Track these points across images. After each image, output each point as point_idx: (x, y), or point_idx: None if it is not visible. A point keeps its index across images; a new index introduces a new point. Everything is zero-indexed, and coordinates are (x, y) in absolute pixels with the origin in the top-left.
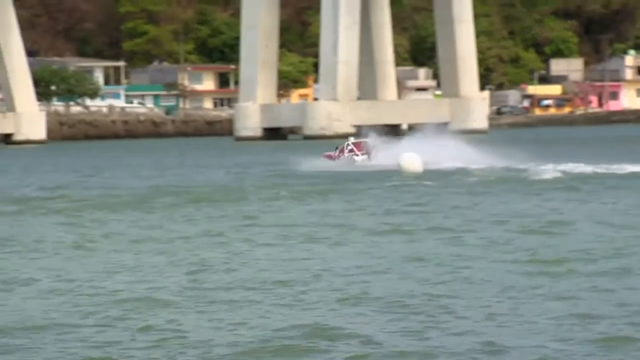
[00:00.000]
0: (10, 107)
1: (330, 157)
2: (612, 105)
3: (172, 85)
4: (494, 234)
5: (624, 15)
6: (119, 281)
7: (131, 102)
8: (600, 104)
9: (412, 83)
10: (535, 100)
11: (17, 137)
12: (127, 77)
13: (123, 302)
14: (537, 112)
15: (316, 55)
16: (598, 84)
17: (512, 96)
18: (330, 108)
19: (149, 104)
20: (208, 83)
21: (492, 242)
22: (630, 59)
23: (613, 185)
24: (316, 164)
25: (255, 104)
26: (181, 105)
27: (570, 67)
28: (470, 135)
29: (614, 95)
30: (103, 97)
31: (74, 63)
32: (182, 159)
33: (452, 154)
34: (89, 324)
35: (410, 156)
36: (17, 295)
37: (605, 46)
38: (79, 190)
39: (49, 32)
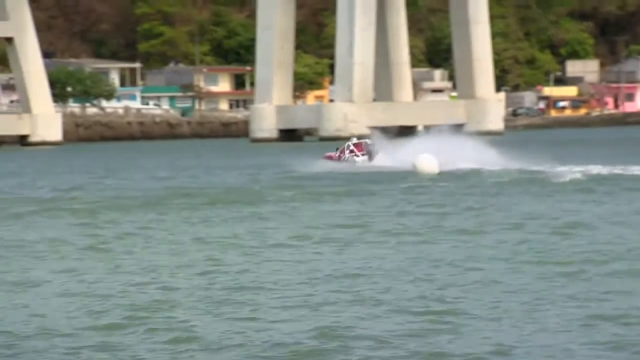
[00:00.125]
0: (26, 109)
1: (330, 157)
2: (628, 107)
3: (187, 87)
4: (508, 236)
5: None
6: (132, 283)
7: (147, 104)
8: (616, 106)
9: (427, 84)
10: (551, 102)
11: (33, 138)
12: (142, 78)
13: (136, 304)
14: (553, 113)
15: (332, 57)
16: (614, 85)
17: (528, 98)
18: (346, 109)
19: (165, 105)
20: (224, 84)
21: (506, 244)
22: None
23: (629, 187)
24: (329, 165)
25: (271, 106)
26: (197, 106)
27: (586, 69)
28: (485, 136)
29: (630, 97)
30: (119, 99)
31: (90, 64)
32: (198, 161)
33: (462, 155)
34: (102, 325)
35: (426, 157)
36: (30, 297)
37: (621, 47)
38: (93, 191)
39: (65, 34)
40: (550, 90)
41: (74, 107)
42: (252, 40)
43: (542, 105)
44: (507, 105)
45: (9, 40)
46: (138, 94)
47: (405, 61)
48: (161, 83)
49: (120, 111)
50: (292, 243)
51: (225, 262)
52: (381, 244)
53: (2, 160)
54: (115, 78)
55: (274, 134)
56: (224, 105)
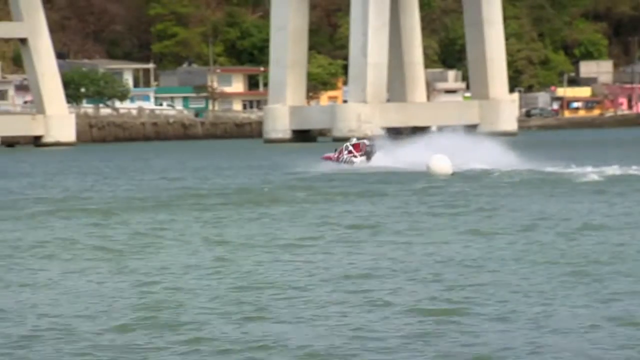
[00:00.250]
0: (40, 110)
1: (329, 158)
2: None
3: (201, 88)
4: (520, 236)
5: None
6: (143, 283)
7: (160, 104)
8: (630, 106)
9: (441, 85)
10: (565, 103)
11: (47, 139)
12: (156, 79)
13: (146, 304)
14: (567, 114)
15: (345, 58)
16: (628, 86)
17: (542, 98)
18: (360, 110)
19: (178, 106)
20: (237, 85)
21: (517, 245)
22: None
23: None
24: (340, 166)
25: (285, 106)
26: (210, 107)
27: (599, 69)
28: (498, 136)
29: None
30: (132, 99)
31: (104, 65)
32: (210, 161)
33: (465, 154)
34: (112, 326)
35: (439, 158)
36: (41, 297)
37: (635, 48)
38: (105, 192)
39: (79, 35)
40: (563, 91)
41: (87, 107)
42: (266, 40)
43: (555, 106)
44: (521, 106)
45: (23, 41)
46: (152, 95)
47: (418, 62)
48: (175, 84)
49: (134, 112)
50: (303, 244)
51: (235, 263)
52: (393, 245)
53: (15, 160)
54: (128, 79)
55: (287, 134)
56: (237, 106)
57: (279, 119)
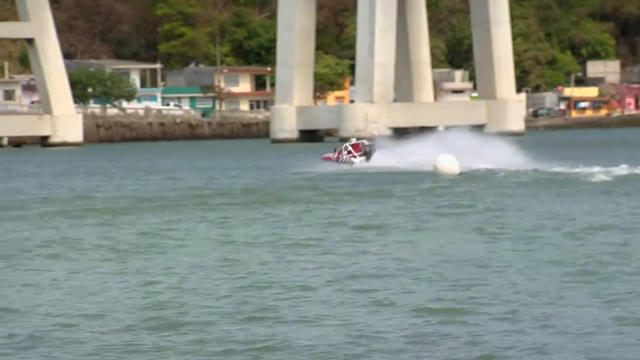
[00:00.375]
0: (47, 110)
1: (328, 159)
2: None
3: (208, 88)
4: (527, 237)
5: None
6: (149, 283)
7: (167, 104)
8: (637, 106)
9: (448, 85)
10: (572, 103)
11: (54, 139)
12: (163, 79)
13: (153, 305)
14: (574, 114)
15: (352, 58)
16: (635, 86)
17: (549, 98)
18: (367, 110)
19: (185, 106)
20: (244, 85)
21: (525, 245)
22: None
23: None
24: (342, 166)
25: (292, 106)
26: (217, 107)
27: (607, 69)
28: (506, 136)
29: None
30: (139, 100)
31: (111, 65)
32: (216, 161)
33: (466, 153)
34: (119, 326)
35: (447, 158)
36: (48, 297)
37: None
38: (112, 192)
39: (86, 35)
40: (571, 91)
41: (94, 108)
42: (273, 41)
43: (562, 106)
44: (528, 106)
45: (30, 41)
46: (159, 95)
47: (425, 62)
48: (182, 84)
49: (141, 112)
50: (309, 244)
51: (241, 263)
52: (399, 245)
53: (22, 160)
54: (135, 79)
55: (294, 134)
56: (244, 106)
57: (286, 119)
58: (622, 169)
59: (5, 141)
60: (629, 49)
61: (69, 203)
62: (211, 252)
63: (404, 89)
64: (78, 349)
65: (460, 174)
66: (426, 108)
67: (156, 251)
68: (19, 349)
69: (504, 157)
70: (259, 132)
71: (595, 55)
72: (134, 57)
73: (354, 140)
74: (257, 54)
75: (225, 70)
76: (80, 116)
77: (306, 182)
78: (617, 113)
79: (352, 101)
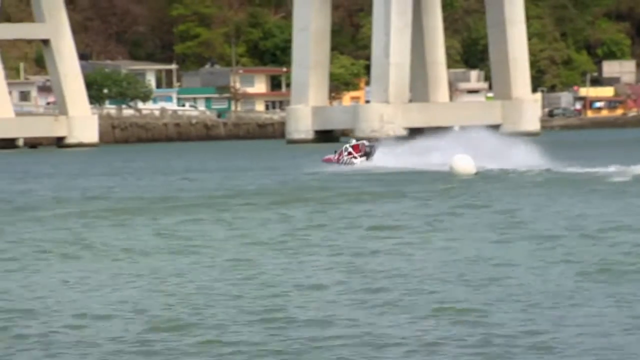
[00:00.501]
0: (63, 111)
1: (329, 160)
2: None
3: (223, 88)
4: (542, 236)
5: None
6: (163, 284)
7: (183, 105)
8: None
9: (464, 85)
10: (588, 102)
11: (70, 140)
12: (179, 80)
13: (167, 306)
14: (589, 114)
15: (368, 58)
16: None
17: (564, 98)
18: (382, 110)
19: (201, 106)
20: (260, 86)
21: (541, 244)
22: None
23: None
24: (356, 167)
25: (307, 107)
26: (233, 108)
27: (622, 69)
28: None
29: None
30: (155, 100)
31: (126, 66)
32: (233, 162)
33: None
34: (135, 329)
35: (462, 158)
36: (64, 298)
37: None
38: (127, 193)
39: (101, 36)
40: (586, 91)
41: (110, 108)
42: (288, 41)
43: (578, 105)
44: (544, 106)
45: (46, 42)
46: (174, 96)
47: (441, 62)
48: (197, 84)
49: (157, 113)
50: (323, 244)
51: (257, 264)
52: (414, 245)
53: (38, 161)
54: (151, 79)
55: (310, 135)
56: (260, 107)
57: (302, 119)
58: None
59: (21, 142)
60: None
61: (84, 204)
62: (224, 252)
63: (419, 89)
64: (92, 349)
65: (476, 174)
66: (442, 108)
67: (170, 251)
68: (37, 349)
69: (520, 157)
70: (274, 132)
71: (611, 55)
72: (150, 58)
73: (353, 142)
74: (273, 55)
75: (241, 71)
76: (95, 117)
77: (320, 182)
78: (632, 113)
79: (367, 101)
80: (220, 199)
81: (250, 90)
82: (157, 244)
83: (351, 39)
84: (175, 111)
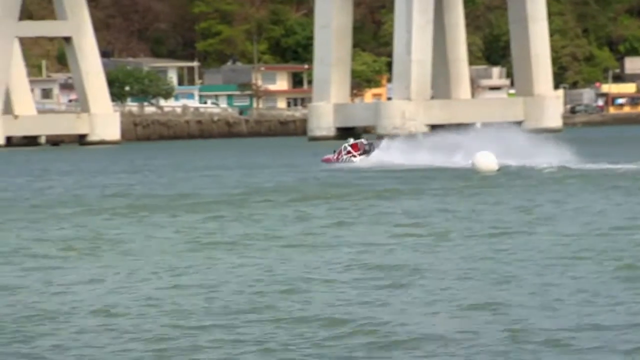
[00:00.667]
0: (85, 108)
1: (328, 160)
2: None
3: (245, 85)
4: (562, 233)
5: None
6: (179, 283)
7: (205, 102)
8: None
9: (485, 82)
10: (610, 99)
11: (92, 137)
12: (200, 77)
13: (183, 305)
14: (612, 110)
15: (390, 55)
16: None
17: (587, 95)
18: (404, 107)
19: (223, 104)
20: (281, 83)
21: (561, 240)
22: None
23: None
24: (383, 163)
25: (329, 104)
26: (255, 105)
27: None
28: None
29: None
30: (177, 98)
31: (148, 63)
32: (255, 159)
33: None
34: (148, 327)
35: (485, 155)
36: (84, 297)
37: None
38: (148, 190)
39: (123, 33)
40: (608, 87)
41: (132, 106)
42: (310, 38)
43: (600, 102)
44: (566, 103)
45: (68, 39)
46: (196, 93)
47: (463, 58)
48: (219, 82)
49: (178, 110)
50: (341, 242)
51: (274, 260)
52: (435, 242)
53: (60, 159)
54: (173, 77)
55: (331, 132)
56: (281, 104)
57: (323, 116)
58: None
59: (43, 140)
60: None
61: (106, 201)
62: (244, 250)
63: (441, 86)
64: (112, 347)
65: (498, 170)
66: (463, 105)
67: (189, 249)
68: (54, 346)
69: (544, 154)
70: (296, 129)
71: (633, 52)
72: (171, 55)
73: (351, 141)
74: (294, 52)
75: (263, 68)
76: (117, 114)
77: (339, 179)
78: None
79: (389, 98)
80: (240, 196)
81: (272, 87)
82: (176, 241)
83: (373, 36)
84: (197, 108)
